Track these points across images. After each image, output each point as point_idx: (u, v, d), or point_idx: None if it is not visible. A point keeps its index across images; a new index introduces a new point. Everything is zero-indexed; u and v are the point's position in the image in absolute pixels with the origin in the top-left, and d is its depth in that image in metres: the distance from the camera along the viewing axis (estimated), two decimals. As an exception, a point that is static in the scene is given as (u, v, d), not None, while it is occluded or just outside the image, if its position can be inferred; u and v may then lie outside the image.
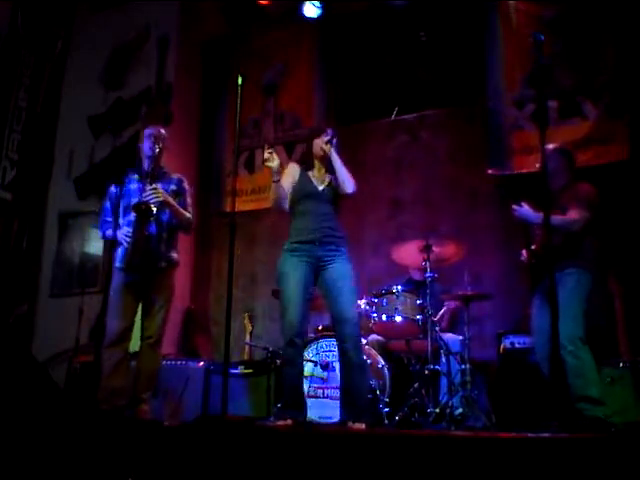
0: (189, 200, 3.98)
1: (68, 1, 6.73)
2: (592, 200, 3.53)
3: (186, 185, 4.00)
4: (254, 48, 6.45)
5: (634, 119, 4.75)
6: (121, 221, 3.79)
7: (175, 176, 4.00)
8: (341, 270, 3.38)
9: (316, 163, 3.65)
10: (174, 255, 3.89)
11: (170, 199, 3.79)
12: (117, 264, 3.77)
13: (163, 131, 4.00)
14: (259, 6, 6.09)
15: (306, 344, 4.06)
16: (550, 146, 3.63)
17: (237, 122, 3.37)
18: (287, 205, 3.55)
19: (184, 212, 3.88)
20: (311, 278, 3.42)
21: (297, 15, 6.00)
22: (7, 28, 6.30)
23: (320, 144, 3.55)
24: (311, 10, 5.95)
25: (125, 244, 3.70)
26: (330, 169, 3.57)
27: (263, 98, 6.38)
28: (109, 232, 3.81)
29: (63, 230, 6.40)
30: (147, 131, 3.94)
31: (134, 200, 3.71)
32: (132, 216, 3.70)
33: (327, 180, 3.59)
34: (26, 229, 6.30)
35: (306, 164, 3.68)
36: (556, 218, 3.32)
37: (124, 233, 3.71)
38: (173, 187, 3.90)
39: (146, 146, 3.88)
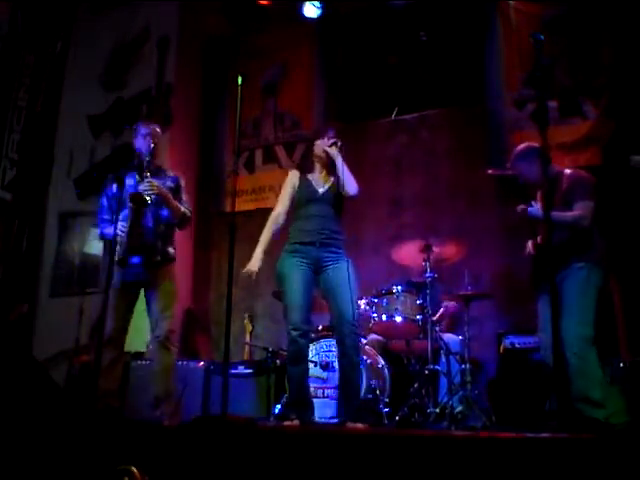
0: (185, 197, 3.98)
1: (68, 1, 6.74)
2: (593, 188, 3.45)
3: (182, 182, 4.01)
4: (254, 48, 6.47)
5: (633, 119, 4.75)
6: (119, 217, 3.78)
7: (171, 174, 4.01)
8: (341, 272, 3.35)
9: (317, 165, 3.61)
10: (170, 250, 3.87)
11: (165, 191, 3.77)
12: (116, 258, 3.73)
13: (158, 129, 3.99)
14: (259, 6, 6.08)
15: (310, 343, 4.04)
16: (516, 150, 3.64)
17: (237, 122, 3.36)
18: (283, 220, 3.60)
19: (180, 206, 3.87)
20: (312, 279, 3.42)
21: (297, 15, 6.00)
22: (7, 28, 6.30)
23: (322, 146, 3.52)
24: (311, 10, 5.95)
25: (120, 238, 3.67)
26: (331, 171, 3.54)
27: (263, 98, 6.39)
28: (107, 230, 3.79)
29: (63, 230, 6.39)
30: (143, 130, 3.92)
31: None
32: (128, 210, 3.70)
33: (328, 183, 3.56)
34: (26, 229, 6.29)
35: (306, 167, 3.66)
36: (567, 215, 3.28)
37: (120, 227, 3.67)
38: (170, 184, 3.90)
39: (142, 144, 3.85)
